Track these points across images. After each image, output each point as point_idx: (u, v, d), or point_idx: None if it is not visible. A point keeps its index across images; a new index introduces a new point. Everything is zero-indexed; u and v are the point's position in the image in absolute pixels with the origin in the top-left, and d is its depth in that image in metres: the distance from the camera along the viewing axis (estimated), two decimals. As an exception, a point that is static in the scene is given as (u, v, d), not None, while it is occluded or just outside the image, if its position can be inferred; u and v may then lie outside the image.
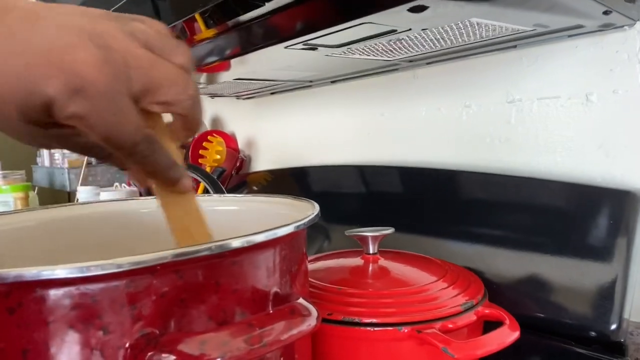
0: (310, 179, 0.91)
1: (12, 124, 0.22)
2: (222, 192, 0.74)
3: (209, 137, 1.03)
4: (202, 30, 0.56)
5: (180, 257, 0.20)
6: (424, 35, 0.47)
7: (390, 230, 0.48)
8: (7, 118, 0.21)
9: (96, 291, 0.19)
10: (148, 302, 0.20)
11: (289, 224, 0.25)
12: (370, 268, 0.47)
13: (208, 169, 0.97)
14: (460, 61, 0.63)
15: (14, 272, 0.18)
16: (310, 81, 0.81)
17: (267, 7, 0.38)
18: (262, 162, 1.04)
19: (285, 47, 0.48)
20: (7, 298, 0.19)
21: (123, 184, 1.10)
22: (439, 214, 0.65)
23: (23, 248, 0.37)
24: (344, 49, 0.51)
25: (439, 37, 0.49)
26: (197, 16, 0.54)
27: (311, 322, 0.22)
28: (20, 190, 1.01)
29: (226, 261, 0.23)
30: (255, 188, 1.01)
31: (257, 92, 0.94)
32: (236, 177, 1.04)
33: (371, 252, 0.48)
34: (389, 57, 0.59)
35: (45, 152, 1.37)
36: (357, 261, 0.49)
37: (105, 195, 0.95)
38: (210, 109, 1.13)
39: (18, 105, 0.21)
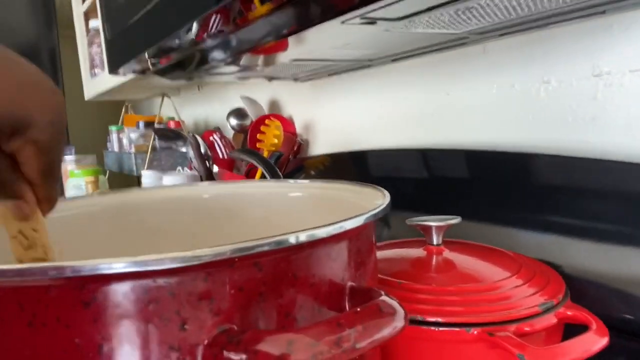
0: (370, 163, 0.88)
1: None
2: (279, 177, 0.73)
3: (266, 121, 1.01)
4: (257, 6, 0.54)
5: (259, 249, 0.19)
6: (497, 2, 0.42)
7: (456, 220, 0.44)
8: None
9: (174, 284, 0.18)
10: (226, 296, 0.19)
11: (365, 213, 0.23)
12: (434, 260, 0.44)
13: (265, 154, 0.96)
14: (538, 32, 0.56)
15: (89, 264, 0.17)
16: (370, 60, 0.77)
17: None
18: (320, 146, 1.01)
19: (342, 22, 0.45)
20: (81, 291, 0.18)
21: (185, 168, 1.12)
22: (512, 201, 0.59)
23: (85, 232, 0.37)
24: (405, 22, 0.47)
25: (515, 3, 0.43)
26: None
27: (398, 323, 0.20)
28: (91, 175, 1.06)
29: (304, 253, 0.21)
30: (312, 173, 0.99)
31: (315, 73, 0.91)
32: (293, 161, 1.03)
33: (435, 243, 0.44)
34: (455, 29, 0.54)
35: (114, 137, 1.42)
36: (419, 252, 0.45)
37: (167, 179, 0.96)
38: (268, 93, 1.12)
39: None
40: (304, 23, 0.53)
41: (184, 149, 1.15)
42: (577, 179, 0.52)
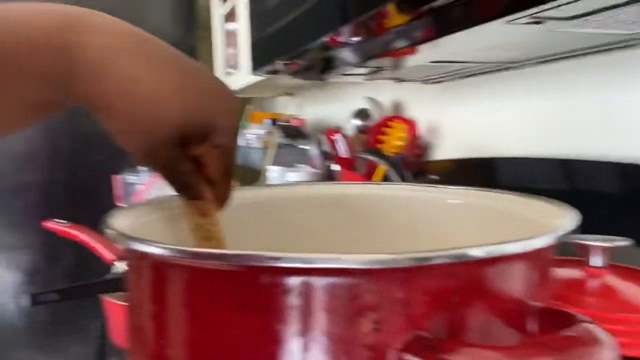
0: (500, 172, 0.83)
1: (154, 144, 0.27)
2: (405, 180, 0.72)
3: (389, 123, 1.01)
4: (393, 15, 0.54)
5: (457, 259, 0.18)
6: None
7: (625, 242, 0.39)
8: (158, 138, 0.27)
9: (373, 285, 0.19)
10: (421, 302, 0.19)
11: (558, 231, 0.22)
12: (595, 284, 0.40)
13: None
14: None
15: (299, 257, 0.18)
16: (513, 62, 0.72)
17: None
18: (445, 151, 0.98)
19: (508, 22, 0.42)
20: (289, 281, 0.19)
21: (305, 165, 1.15)
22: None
23: (236, 224, 0.39)
24: (578, 21, 0.43)
25: None
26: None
27: (609, 354, 0.18)
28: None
29: (498, 267, 0.20)
30: (435, 177, 0.97)
31: (447, 75, 0.88)
32: (416, 164, 1.00)
33: (597, 265, 0.40)
34: (628, 30, 0.49)
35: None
36: (576, 273, 0.41)
37: (291, 175, 1.00)
38: (392, 94, 1.11)
39: (182, 128, 0.27)
40: (460, 25, 0.51)
41: (305, 147, 1.18)
42: None
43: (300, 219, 0.43)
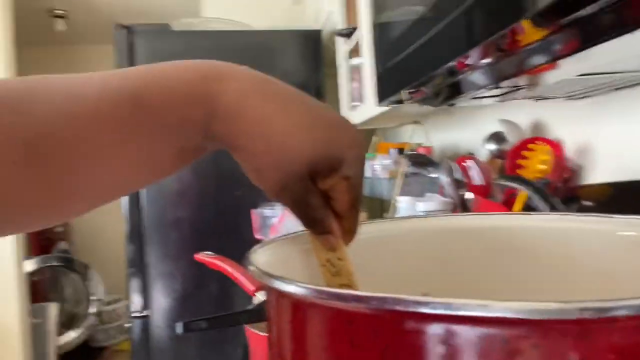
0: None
1: (287, 179, 0.28)
2: (555, 208, 0.64)
3: (529, 145, 0.92)
4: (528, 31, 0.49)
5: None
6: None
7: None
8: (290, 173, 0.28)
9: (539, 338, 0.16)
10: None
11: None
12: None
13: (530, 181, 0.87)
14: None
15: (445, 302, 0.16)
16: (683, 67, 0.62)
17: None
18: (599, 174, 0.86)
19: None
20: (440, 329, 0.17)
21: (436, 194, 1.11)
22: None
23: (367, 257, 0.38)
24: None
25: None
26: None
27: None
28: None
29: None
30: (589, 204, 0.85)
31: (597, 89, 0.78)
32: (564, 190, 0.90)
33: None
34: None
35: (367, 164, 1.53)
36: None
37: (421, 205, 0.97)
38: (530, 114, 1.02)
39: (312, 162, 0.28)
40: (593, 38, 0.45)
41: (434, 175, 1.14)
42: None
43: (443, 253, 0.40)
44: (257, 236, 1.37)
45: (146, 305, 1.65)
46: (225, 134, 0.28)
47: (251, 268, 0.24)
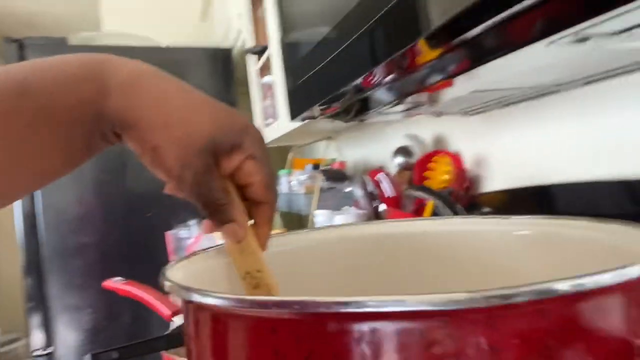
0: (557, 199, 0.79)
1: (188, 154, 0.27)
2: (459, 213, 0.69)
3: (434, 158, 0.99)
4: (424, 50, 0.53)
5: (544, 295, 0.17)
6: None
7: None
8: (192, 147, 0.27)
9: (453, 328, 0.17)
10: (509, 346, 0.17)
11: None
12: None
13: (436, 191, 0.93)
14: None
15: (368, 300, 0.17)
16: (558, 85, 0.70)
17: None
18: (495, 182, 0.95)
19: (550, 44, 0.41)
20: (357, 329, 0.18)
21: (351, 207, 1.14)
22: None
23: (291, 267, 0.39)
24: (625, 35, 0.41)
25: None
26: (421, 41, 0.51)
27: None
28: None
29: (593, 302, 0.18)
30: (488, 210, 0.93)
31: (489, 105, 0.86)
32: (465, 198, 0.97)
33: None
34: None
35: (283, 180, 1.53)
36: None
37: (339, 218, 0.99)
38: (432, 129, 1.10)
39: (213, 137, 0.27)
40: (480, 58, 0.50)
41: (348, 189, 1.18)
42: None
43: (353, 260, 0.41)
44: (173, 259, 1.31)
45: (49, 342, 1.50)
46: (120, 110, 0.27)
47: (167, 283, 0.23)
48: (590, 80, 0.67)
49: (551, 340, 0.17)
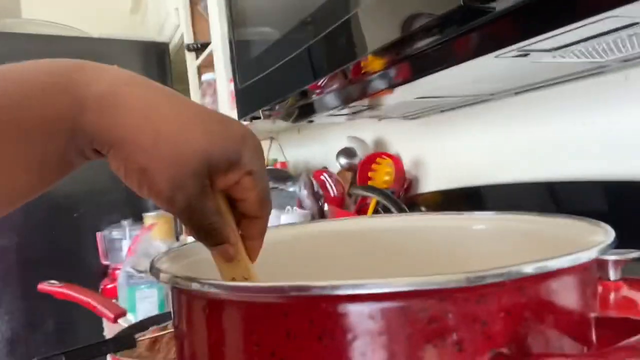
0: (487, 199, 0.86)
1: (182, 175, 0.24)
2: (404, 210, 0.73)
3: (377, 159, 1.03)
4: (370, 60, 0.56)
5: (524, 274, 0.19)
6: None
7: (637, 254, 0.41)
8: (186, 167, 0.24)
9: (451, 305, 0.19)
10: (497, 319, 0.19)
11: (597, 245, 0.23)
12: (613, 298, 0.41)
13: (378, 191, 0.97)
14: (694, 55, 0.53)
15: (368, 283, 0.18)
16: (491, 94, 0.76)
17: (496, 11, 0.36)
18: (431, 183, 1.01)
19: (496, 57, 0.46)
20: (368, 308, 0.19)
21: (295, 207, 1.15)
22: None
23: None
24: (559, 52, 0.47)
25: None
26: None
27: None
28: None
29: (558, 281, 0.21)
30: (424, 209, 0.98)
31: (427, 111, 0.92)
32: (404, 198, 1.02)
33: (613, 278, 0.41)
34: (602, 58, 0.53)
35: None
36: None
37: (284, 218, 1.00)
38: (375, 132, 1.14)
39: (209, 154, 0.25)
40: (434, 67, 0.54)
41: (292, 189, 1.19)
42: None
43: (315, 255, 0.43)
44: (105, 262, 1.25)
45: (-43, 355, 1.36)
46: (99, 128, 0.23)
47: (162, 275, 0.23)
48: (520, 90, 0.74)
49: (528, 313, 0.20)
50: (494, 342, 0.19)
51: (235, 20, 0.89)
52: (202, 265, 0.29)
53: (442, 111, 0.93)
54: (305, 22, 0.66)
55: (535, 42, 0.42)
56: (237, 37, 0.89)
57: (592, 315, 0.23)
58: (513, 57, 0.47)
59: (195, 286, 0.21)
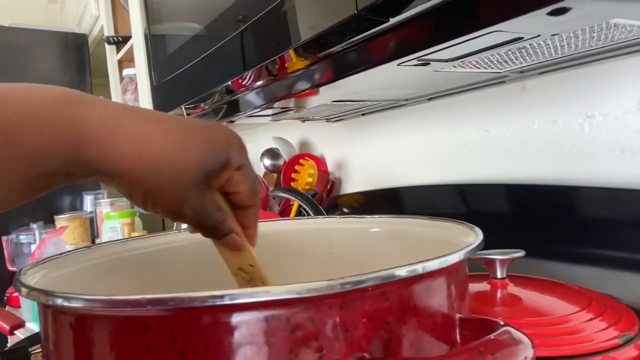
0: (404, 200, 0.89)
1: (185, 190, 0.27)
2: (322, 213, 0.74)
3: (300, 161, 1.03)
4: (294, 59, 0.57)
5: (387, 279, 0.20)
6: (549, 41, 0.44)
7: (521, 253, 0.44)
8: (187, 182, 0.27)
9: (313, 312, 0.19)
10: (359, 325, 0.20)
11: (464, 248, 0.24)
12: (499, 294, 0.44)
13: (301, 192, 0.97)
14: (579, 69, 0.58)
15: (229, 293, 0.18)
16: (406, 99, 0.79)
17: (390, 23, 0.37)
18: (353, 184, 1.03)
19: (398, 65, 0.47)
20: (228, 319, 0.19)
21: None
22: (557, 235, 0.59)
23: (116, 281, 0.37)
24: (457, 62, 0.49)
25: (565, 43, 0.45)
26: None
27: (529, 352, 0.20)
28: (127, 217, 1.08)
29: (423, 284, 0.22)
30: (346, 210, 1.00)
31: (348, 114, 0.94)
32: (327, 199, 1.04)
33: (499, 276, 0.44)
34: (499, 68, 0.56)
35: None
36: (482, 287, 0.45)
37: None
38: (300, 133, 1.15)
39: (203, 168, 0.28)
40: (343, 71, 0.55)
41: (215, 190, 1.16)
42: (625, 211, 0.52)
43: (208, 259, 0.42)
44: (11, 267, 1.16)
45: None
46: (105, 160, 0.26)
47: (23, 289, 0.22)
48: (432, 96, 0.77)
49: (390, 317, 0.21)
50: (357, 347, 0.20)
51: (151, 15, 0.86)
52: (81, 275, 0.28)
53: (363, 114, 0.95)
54: (222, 17, 0.65)
55: (432, 52, 0.44)
56: (153, 32, 0.86)
57: (458, 316, 0.24)
58: (415, 65, 0.49)
59: (51, 301, 0.20)
